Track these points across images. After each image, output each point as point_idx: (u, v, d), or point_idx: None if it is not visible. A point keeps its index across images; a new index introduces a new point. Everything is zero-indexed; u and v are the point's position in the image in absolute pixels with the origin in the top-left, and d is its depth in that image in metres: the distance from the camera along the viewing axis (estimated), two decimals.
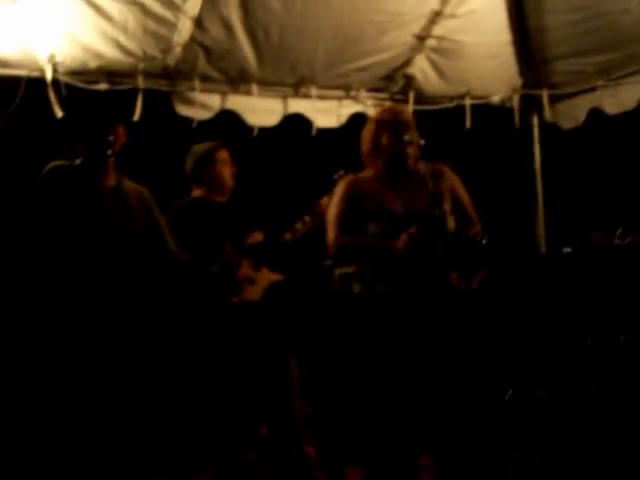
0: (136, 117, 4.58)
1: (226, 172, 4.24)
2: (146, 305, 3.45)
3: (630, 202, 4.61)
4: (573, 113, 5.72)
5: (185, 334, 3.76)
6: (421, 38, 5.09)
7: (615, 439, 3.68)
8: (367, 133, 3.58)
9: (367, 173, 3.59)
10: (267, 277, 4.19)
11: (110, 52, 4.42)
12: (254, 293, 4.09)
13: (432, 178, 3.41)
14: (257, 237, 4.29)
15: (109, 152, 3.38)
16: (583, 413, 4.09)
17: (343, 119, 5.33)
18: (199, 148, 4.27)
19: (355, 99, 5.33)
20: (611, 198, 5.36)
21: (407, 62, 5.28)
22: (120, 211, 3.47)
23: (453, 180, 3.58)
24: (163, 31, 4.40)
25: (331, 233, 3.49)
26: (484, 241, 3.31)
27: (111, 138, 3.38)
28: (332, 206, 3.56)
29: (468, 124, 5.58)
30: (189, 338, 3.78)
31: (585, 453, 3.61)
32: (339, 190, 3.57)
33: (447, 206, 3.42)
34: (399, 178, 3.49)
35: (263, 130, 5.08)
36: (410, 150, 3.42)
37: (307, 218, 4.26)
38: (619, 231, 4.39)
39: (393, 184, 3.48)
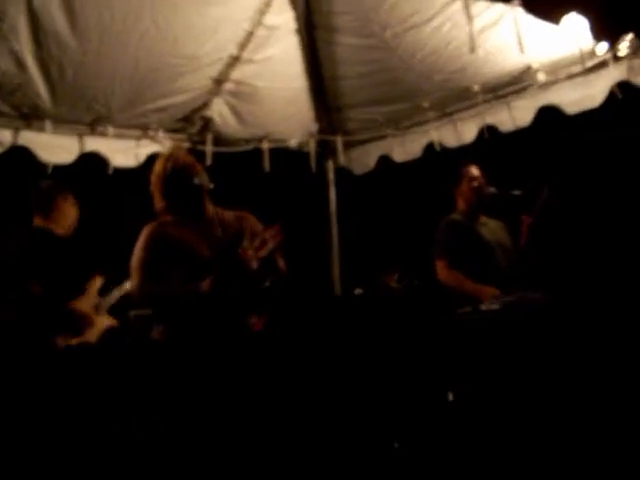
0: None
1: (67, 217, 4.32)
2: None
3: (409, 246, 4.87)
4: (365, 159, 6.04)
5: None
6: (219, 82, 5.18)
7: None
8: (156, 180, 3.53)
9: (167, 218, 3.53)
10: (105, 321, 4.26)
11: None
12: (91, 335, 4.13)
13: (235, 223, 3.47)
14: (97, 281, 4.29)
15: None
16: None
17: (141, 159, 5.27)
18: (45, 186, 4.31)
19: (153, 139, 5.31)
20: (397, 241, 5.64)
21: (205, 105, 5.36)
22: None
23: (256, 226, 3.60)
24: None
25: (135, 279, 3.37)
26: (267, 284, 3.37)
27: None
28: (136, 251, 3.42)
29: (267, 167, 5.73)
30: None
31: None
32: (143, 235, 3.46)
33: (250, 250, 3.42)
34: (198, 223, 3.49)
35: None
36: (199, 194, 3.45)
37: (127, 284, 4.28)
38: (396, 275, 4.63)
39: (194, 229, 3.46)
